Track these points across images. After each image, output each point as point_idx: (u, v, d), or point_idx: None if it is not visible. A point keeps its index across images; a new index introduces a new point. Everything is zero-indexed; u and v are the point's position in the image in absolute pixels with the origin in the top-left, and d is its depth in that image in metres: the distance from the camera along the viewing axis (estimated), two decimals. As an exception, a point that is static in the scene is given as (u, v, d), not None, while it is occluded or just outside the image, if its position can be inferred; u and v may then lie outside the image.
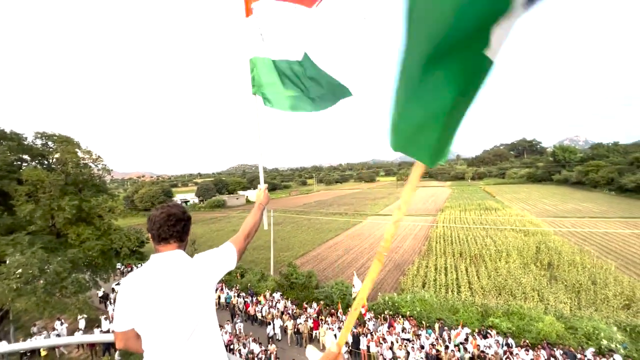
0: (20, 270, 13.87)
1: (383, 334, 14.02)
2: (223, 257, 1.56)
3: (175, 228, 1.50)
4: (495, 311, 16.04)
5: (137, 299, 1.39)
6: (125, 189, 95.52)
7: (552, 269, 22.30)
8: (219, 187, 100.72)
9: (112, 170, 21.26)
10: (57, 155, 18.43)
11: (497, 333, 14.03)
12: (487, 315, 16.01)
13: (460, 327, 14.46)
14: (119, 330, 1.43)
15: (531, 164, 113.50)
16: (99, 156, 19.47)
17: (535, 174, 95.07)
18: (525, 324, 14.54)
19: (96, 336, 2.13)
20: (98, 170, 20.13)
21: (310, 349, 1.24)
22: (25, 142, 18.24)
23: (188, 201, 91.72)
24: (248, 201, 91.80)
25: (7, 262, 14.45)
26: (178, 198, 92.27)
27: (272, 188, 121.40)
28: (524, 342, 13.20)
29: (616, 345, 12.64)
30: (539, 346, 12.70)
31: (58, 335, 16.23)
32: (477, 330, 14.42)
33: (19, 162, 18.13)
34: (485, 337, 13.74)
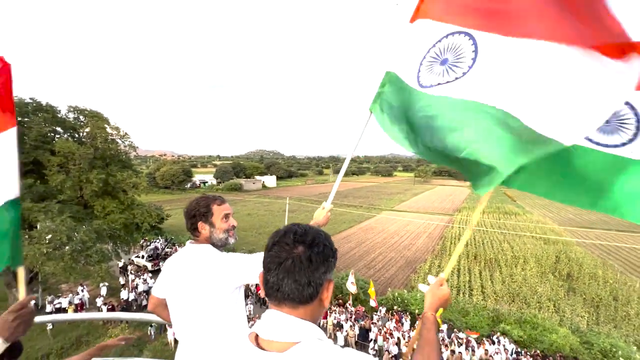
0: (50, 236, 14.76)
1: (390, 329, 14.07)
2: (248, 267, 1.46)
3: (191, 222, 1.60)
4: (507, 318, 15.73)
5: (168, 277, 1.55)
6: (147, 166, 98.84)
7: (571, 281, 21.55)
8: (237, 171, 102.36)
9: (137, 147, 22.00)
10: (87, 130, 19.20)
11: (510, 341, 13.78)
12: (498, 321, 15.73)
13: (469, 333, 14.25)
14: (153, 294, 1.65)
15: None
16: (126, 133, 20.14)
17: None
18: (537, 334, 14.20)
19: (136, 315, 2.27)
20: (124, 146, 20.87)
21: (422, 285, 1.29)
22: (59, 115, 19.05)
23: (206, 182, 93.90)
24: (264, 186, 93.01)
25: (38, 227, 15.39)
26: (197, 178, 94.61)
27: (288, 175, 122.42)
28: (534, 352, 12.93)
29: (634, 365, 12.19)
30: (551, 358, 12.41)
31: (80, 299, 17.28)
32: (486, 335, 14.23)
33: (52, 134, 19.00)
34: (493, 342, 13.56)
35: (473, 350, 12.87)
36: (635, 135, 1.12)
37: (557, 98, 1.02)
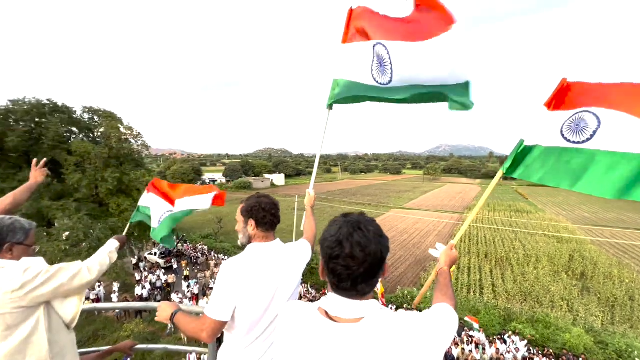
0: (67, 233, 15.24)
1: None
2: (306, 251, 1.74)
3: (277, 217, 1.62)
4: (519, 317, 15.57)
5: (247, 287, 1.38)
6: (158, 165, 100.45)
7: (585, 280, 21.16)
8: (246, 169, 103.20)
9: (149, 146, 22.44)
10: (102, 130, 19.71)
11: (521, 339, 13.65)
12: (509, 319, 15.59)
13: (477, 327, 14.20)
14: (216, 318, 1.35)
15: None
16: (139, 132, 20.59)
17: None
18: (550, 333, 14.03)
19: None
20: (137, 145, 21.34)
21: (432, 249, 1.68)
22: (75, 116, 19.60)
23: (216, 180, 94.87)
24: (273, 184, 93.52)
25: (56, 224, 15.90)
26: (207, 177, 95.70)
27: (296, 174, 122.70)
28: (547, 351, 12.79)
29: (651, 366, 11.95)
30: (563, 357, 12.25)
31: (97, 294, 17.78)
32: (497, 334, 14.13)
33: (69, 134, 19.57)
34: (505, 341, 13.45)
35: (484, 349, 12.81)
36: (591, 136, 1.60)
37: (432, 73, 1.75)
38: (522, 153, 1.83)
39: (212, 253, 25.71)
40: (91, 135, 20.38)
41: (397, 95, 1.90)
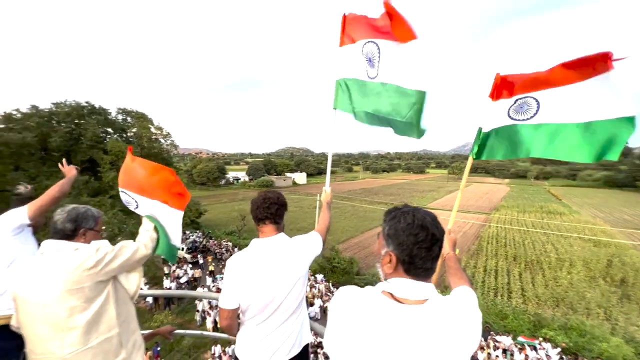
0: (103, 228, 16.22)
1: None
2: (313, 243, 1.78)
3: (269, 210, 1.66)
4: (551, 323, 14.83)
5: (249, 280, 1.55)
6: (185, 164, 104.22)
7: (625, 287, 19.77)
8: (268, 168, 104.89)
9: (178, 146, 23.39)
10: (134, 130, 20.77)
11: (553, 346, 13.02)
12: (540, 326, 14.90)
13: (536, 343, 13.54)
14: (226, 307, 1.58)
15: (612, 166, 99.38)
16: (168, 132, 21.52)
17: (616, 178, 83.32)
18: (585, 342, 13.28)
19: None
20: (167, 145, 22.29)
21: None
22: (110, 117, 20.78)
23: (239, 179, 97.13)
24: (294, 183, 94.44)
25: (93, 220, 16.98)
26: (230, 175, 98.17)
27: (317, 172, 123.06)
28: (581, 360, 12.13)
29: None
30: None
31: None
32: (539, 339, 13.52)
33: (104, 134, 20.79)
34: (535, 348, 12.87)
35: (512, 355, 12.34)
36: (534, 114, 2.02)
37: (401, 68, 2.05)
38: (483, 139, 2.20)
39: (236, 249, 26.40)
40: (124, 135, 21.53)
41: (377, 98, 2.23)
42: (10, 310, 1.89)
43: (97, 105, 20.31)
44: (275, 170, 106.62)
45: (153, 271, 18.84)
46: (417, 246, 0.96)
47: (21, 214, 1.93)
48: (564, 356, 12.48)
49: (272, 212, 1.67)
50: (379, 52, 2.15)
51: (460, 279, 1.29)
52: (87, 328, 1.45)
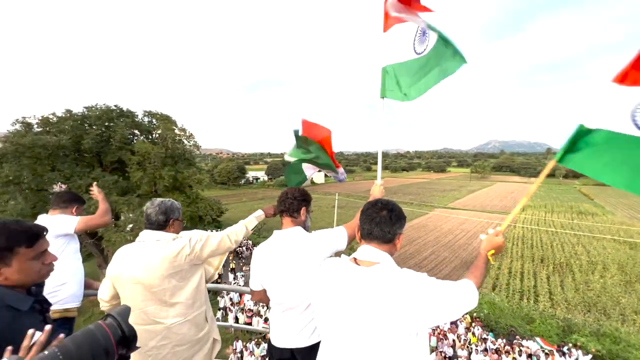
0: (131, 225, 16.98)
1: (444, 330, 13.60)
2: (335, 238, 1.78)
3: (285, 204, 1.82)
4: (582, 329, 14.14)
5: (264, 267, 1.75)
6: (206, 164, 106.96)
7: (665, 293, 18.53)
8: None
9: (200, 146, 24.06)
10: (159, 132, 21.55)
11: (584, 353, 12.41)
12: (569, 331, 14.24)
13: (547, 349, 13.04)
14: (253, 289, 1.85)
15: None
16: (191, 134, 22.16)
17: (655, 177, 77.71)
18: (620, 349, 12.57)
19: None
20: (190, 145, 22.98)
21: (482, 234, 1.67)
22: (137, 119, 21.67)
23: (259, 178, 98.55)
24: (313, 182, 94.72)
25: (122, 217, 17.78)
26: (250, 175, 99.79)
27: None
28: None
29: None
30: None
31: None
32: (555, 346, 12.98)
33: (132, 136, 21.69)
34: (564, 354, 12.32)
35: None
36: None
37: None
38: (581, 139, 1.58)
39: (256, 248, 26.83)
40: (150, 137, 22.37)
41: (424, 68, 2.22)
42: (67, 303, 2.22)
43: (125, 109, 21.23)
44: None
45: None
46: (367, 219, 1.28)
47: (70, 225, 2.25)
48: (595, 363, 11.88)
49: (287, 205, 1.82)
50: (425, 27, 2.19)
51: (471, 274, 1.34)
52: (188, 303, 1.76)
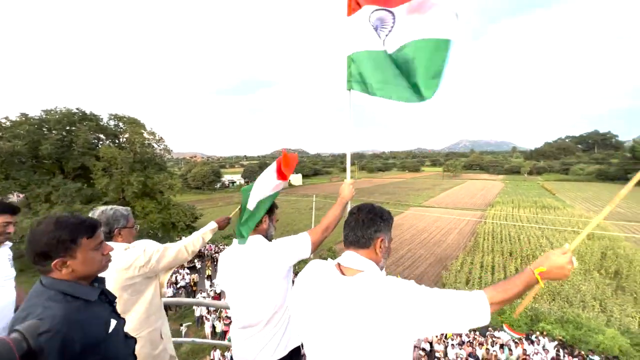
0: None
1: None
2: (297, 246, 1.67)
3: None
4: (547, 317, 14.97)
5: (223, 274, 1.73)
6: (179, 168, 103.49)
7: (619, 279, 20.04)
8: (264, 170, 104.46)
9: (171, 150, 23.24)
10: (126, 135, 20.59)
11: (550, 340, 13.13)
12: (537, 320, 15.03)
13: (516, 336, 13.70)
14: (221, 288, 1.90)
15: (603, 159, 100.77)
16: (161, 137, 21.36)
17: (607, 172, 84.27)
18: (582, 334, 13.43)
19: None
20: (160, 149, 22.13)
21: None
22: (101, 123, 20.58)
23: (235, 182, 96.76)
24: (290, 185, 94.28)
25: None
26: (226, 179, 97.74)
27: (313, 173, 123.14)
28: (578, 352, 12.23)
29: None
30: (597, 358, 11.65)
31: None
32: (524, 335, 13.64)
33: (97, 141, 20.58)
34: (532, 342, 12.98)
35: (510, 350, 12.42)
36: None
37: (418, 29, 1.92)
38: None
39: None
40: (117, 141, 21.32)
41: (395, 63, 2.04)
42: None
43: (88, 112, 20.11)
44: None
45: (149, 277, 18.66)
46: (345, 224, 1.27)
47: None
48: (560, 349, 12.59)
49: None
50: (393, 18, 2.01)
51: (494, 287, 1.09)
52: (142, 318, 1.67)
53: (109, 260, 1.26)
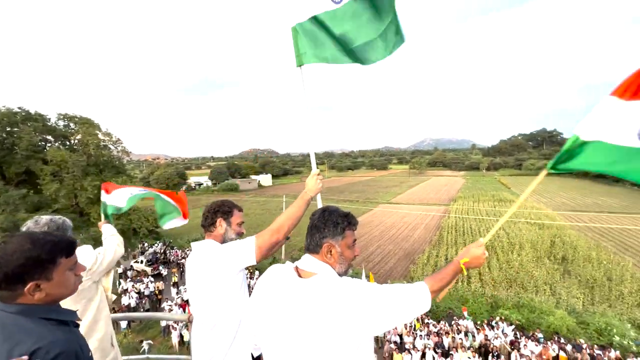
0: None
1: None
2: (239, 251, 1.55)
3: (202, 218, 1.78)
4: (505, 303, 16.05)
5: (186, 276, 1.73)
6: (141, 171, 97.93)
7: (566, 264, 21.98)
8: (232, 171, 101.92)
9: (130, 152, 21.87)
10: (79, 137, 19.04)
11: (508, 324, 14.09)
12: (496, 306, 16.06)
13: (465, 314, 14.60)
14: None
15: (550, 155, 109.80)
16: (118, 138, 20.02)
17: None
18: (535, 317, 14.54)
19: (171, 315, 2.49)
20: (117, 151, 20.73)
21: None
22: (49, 123, 18.84)
23: (202, 184, 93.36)
24: (260, 185, 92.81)
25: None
26: (192, 181, 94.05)
27: (283, 173, 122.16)
28: (532, 334, 13.25)
29: (629, 342, 12.55)
30: (553, 340, 12.67)
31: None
32: (485, 321, 14.53)
33: (44, 143, 18.81)
34: (493, 327, 13.86)
35: (474, 336, 13.16)
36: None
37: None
38: (575, 150, 1.49)
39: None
40: (68, 143, 19.64)
41: (347, 23, 1.91)
42: None
43: (33, 111, 18.31)
44: (240, 173, 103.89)
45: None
46: (307, 231, 1.25)
47: None
48: (517, 332, 13.56)
49: (202, 220, 1.77)
50: None
51: (431, 277, 1.25)
52: (91, 326, 1.64)
53: (80, 281, 1.17)
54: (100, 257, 1.75)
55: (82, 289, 1.60)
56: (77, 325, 1.15)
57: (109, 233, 2.14)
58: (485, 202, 48.19)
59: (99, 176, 18.69)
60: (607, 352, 11.62)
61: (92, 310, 1.67)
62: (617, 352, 11.75)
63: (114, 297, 1.98)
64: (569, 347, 11.95)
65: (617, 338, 12.72)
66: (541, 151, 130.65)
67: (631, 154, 1.35)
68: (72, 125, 19.51)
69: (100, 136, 19.22)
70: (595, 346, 12.20)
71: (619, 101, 1.36)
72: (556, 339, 12.81)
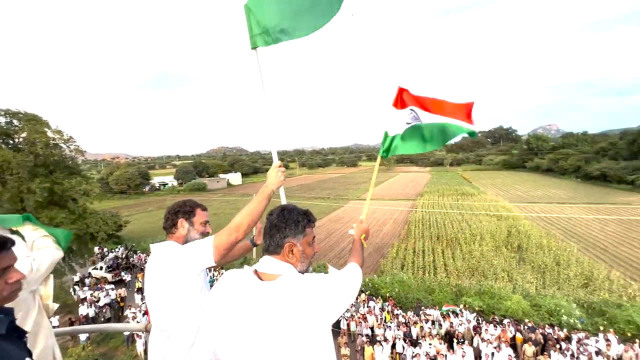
0: None
1: (364, 314, 14.61)
2: (196, 251, 1.47)
3: (164, 220, 1.72)
4: (468, 291, 17.00)
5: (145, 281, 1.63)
6: (98, 171, 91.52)
7: (521, 252, 23.68)
8: (199, 170, 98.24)
9: (85, 151, 20.32)
10: (24, 135, 17.33)
11: (471, 311, 14.94)
12: (460, 294, 16.96)
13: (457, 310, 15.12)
14: None
15: (507, 151, 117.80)
16: (70, 137, 18.48)
17: (510, 161, 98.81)
18: (495, 302, 15.54)
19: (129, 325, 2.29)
20: (70, 151, 19.15)
21: (351, 229, 1.94)
22: (-13, 120, 16.98)
23: (166, 184, 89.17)
24: (229, 184, 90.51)
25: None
26: (156, 180, 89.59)
27: (253, 172, 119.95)
28: (492, 318, 14.16)
29: (574, 320, 13.82)
30: (509, 323, 13.63)
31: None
32: (451, 309, 15.29)
33: (-19, 142, 16.94)
34: (457, 315, 14.63)
35: (440, 325, 13.81)
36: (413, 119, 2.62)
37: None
38: (390, 141, 2.64)
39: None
40: (11, 142, 17.80)
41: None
42: None
43: (-33, 107, 16.42)
44: (207, 172, 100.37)
45: (63, 298, 16.19)
46: (265, 232, 1.20)
47: None
48: (479, 318, 14.43)
49: (164, 222, 1.71)
50: None
51: (353, 257, 1.52)
52: (30, 341, 1.45)
53: (18, 290, 1.03)
54: (35, 263, 1.53)
55: (18, 300, 1.41)
56: (19, 337, 1.02)
57: (38, 234, 1.83)
58: (450, 196, 50.61)
59: (49, 177, 17.17)
60: (556, 331, 12.75)
61: (30, 323, 1.51)
62: (565, 330, 12.96)
63: (56, 306, 1.77)
64: (524, 328, 12.94)
65: (565, 317, 13.94)
66: (499, 147, 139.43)
67: (403, 138, 2.64)
68: (15, 122, 17.68)
69: (50, 134, 17.57)
70: (547, 326, 13.33)
71: (395, 110, 2.60)
72: (513, 321, 13.81)
